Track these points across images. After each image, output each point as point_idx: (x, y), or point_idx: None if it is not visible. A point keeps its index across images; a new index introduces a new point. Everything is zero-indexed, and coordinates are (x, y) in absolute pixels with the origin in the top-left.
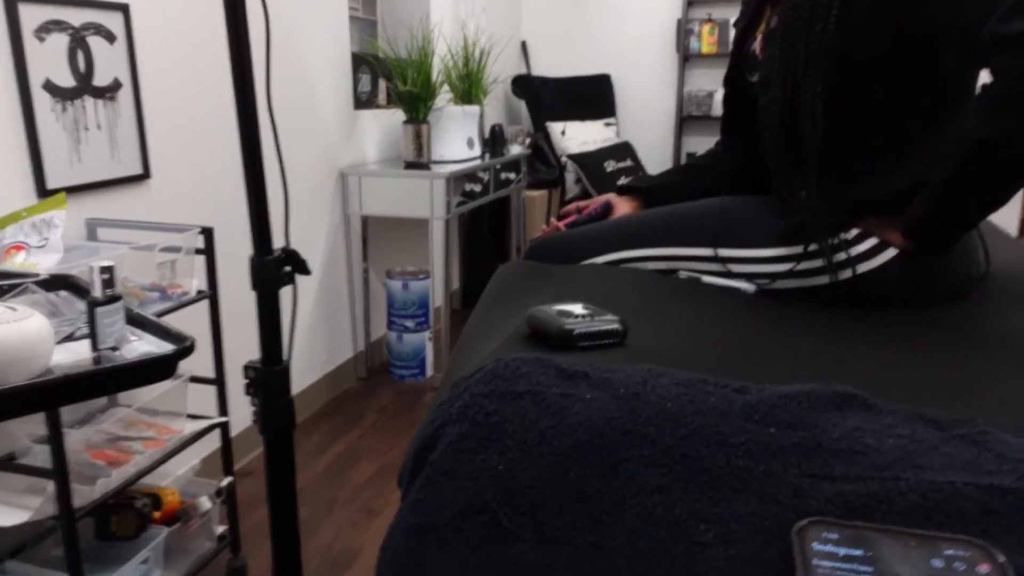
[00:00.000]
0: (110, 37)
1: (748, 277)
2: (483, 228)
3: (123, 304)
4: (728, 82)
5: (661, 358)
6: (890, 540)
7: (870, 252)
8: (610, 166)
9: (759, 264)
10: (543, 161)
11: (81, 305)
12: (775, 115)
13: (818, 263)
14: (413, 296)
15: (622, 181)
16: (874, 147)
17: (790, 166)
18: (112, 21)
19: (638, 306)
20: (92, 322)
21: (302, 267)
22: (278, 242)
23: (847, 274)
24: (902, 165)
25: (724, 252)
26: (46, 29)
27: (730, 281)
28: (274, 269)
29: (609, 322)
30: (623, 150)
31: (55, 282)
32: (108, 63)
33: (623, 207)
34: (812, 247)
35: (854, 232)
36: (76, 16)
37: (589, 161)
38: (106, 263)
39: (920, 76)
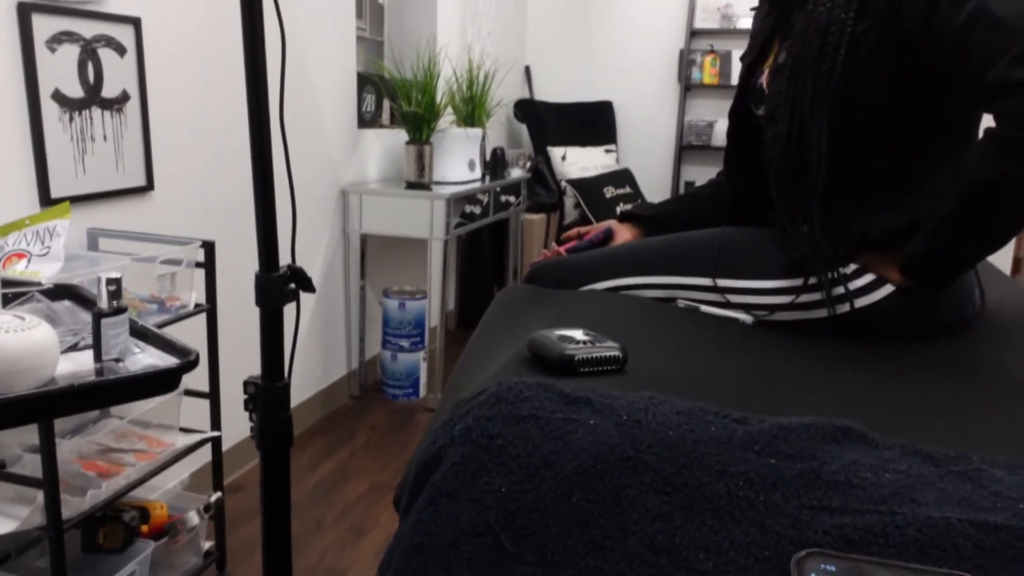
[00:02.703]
0: (120, 49)
1: (746, 308)
2: (481, 250)
3: (128, 316)
4: (733, 114)
5: (661, 385)
6: (886, 573)
7: (868, 287)
8: (609, 192)
9: (758, 295)
10: (543, 185)
11: (84, 315)
12: (780, 149)
13: (817, 296)
14: (409, 316)
15: (621, 208)
16: (877, 184)
17: (794, 199)
18: (123, 34)
19: (638, 333)
20: (97, 333)
21: (307, 285)
22: (283, 258)
23: (845, 308)
24: (903, 203)
25: (723, 282)
26: (58, 40)
27: (728, 311)
28: (279, 286)
29: (610, 349)
30: (623, 177)
31: (58, 291)
32: (117, 75)
33: (624, 234)
34: (812, 281)
35: (853, 267)
36: (88, 28)
37: (588, 186)
38: (113, 275)
39: (925, 116)
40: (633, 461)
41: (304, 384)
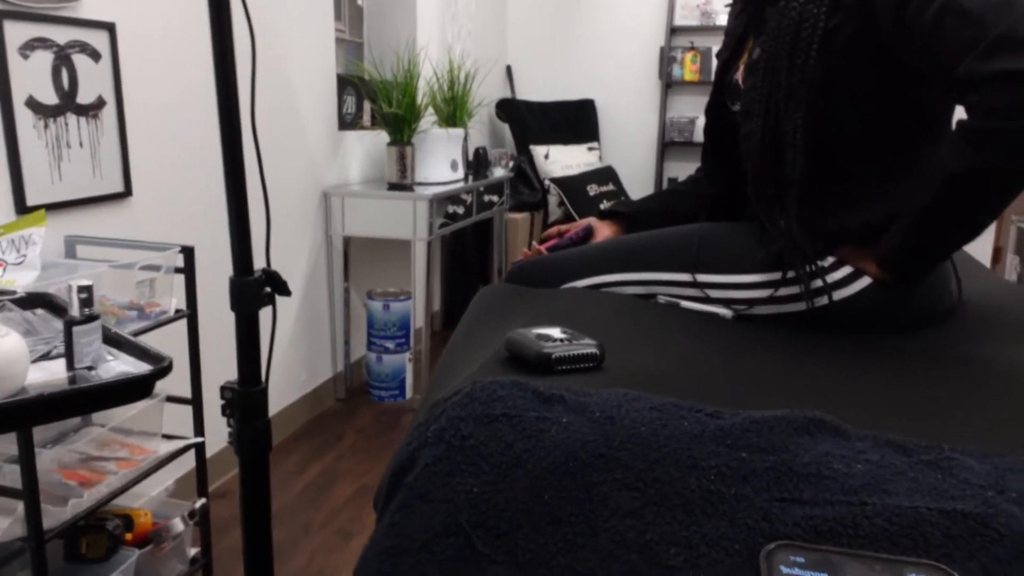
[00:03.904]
0: (95, 55)
1: (726, 303)
2: (465, 250)
3: (100, 323)
4: (710, 111)
5: (638, 382)
6: (856, 564)
7: (846, 280)
8: (593, 190)
9: (737, 290)
10: (526, 184)
11: (58, 324)
12: (756, 144)
13: (795, 290)
14: (394, 317)
15: (604, 205)
16: (853, 177)
17: (770, 194)
18: (98, 39)
19: (616, 330)
20: (68, 341)
21: (282, 288)
22: (259, 262)
23: (823, 301)
24: (880, 196)
25: (702, 278)
26: (31, 47)
27: (708, 306)
28: (254, 290)
29: (587, 346)
30: (606, 174)
31: (32, 300)
32: (92, 81)
33: (604, 231)
34: (790, 274)
35: (830, 260)
36: (62, 34)
37: (572, 185)
38: (84, 282)
39: (898, 109)
40: (605, 458)
41: (289, 388)
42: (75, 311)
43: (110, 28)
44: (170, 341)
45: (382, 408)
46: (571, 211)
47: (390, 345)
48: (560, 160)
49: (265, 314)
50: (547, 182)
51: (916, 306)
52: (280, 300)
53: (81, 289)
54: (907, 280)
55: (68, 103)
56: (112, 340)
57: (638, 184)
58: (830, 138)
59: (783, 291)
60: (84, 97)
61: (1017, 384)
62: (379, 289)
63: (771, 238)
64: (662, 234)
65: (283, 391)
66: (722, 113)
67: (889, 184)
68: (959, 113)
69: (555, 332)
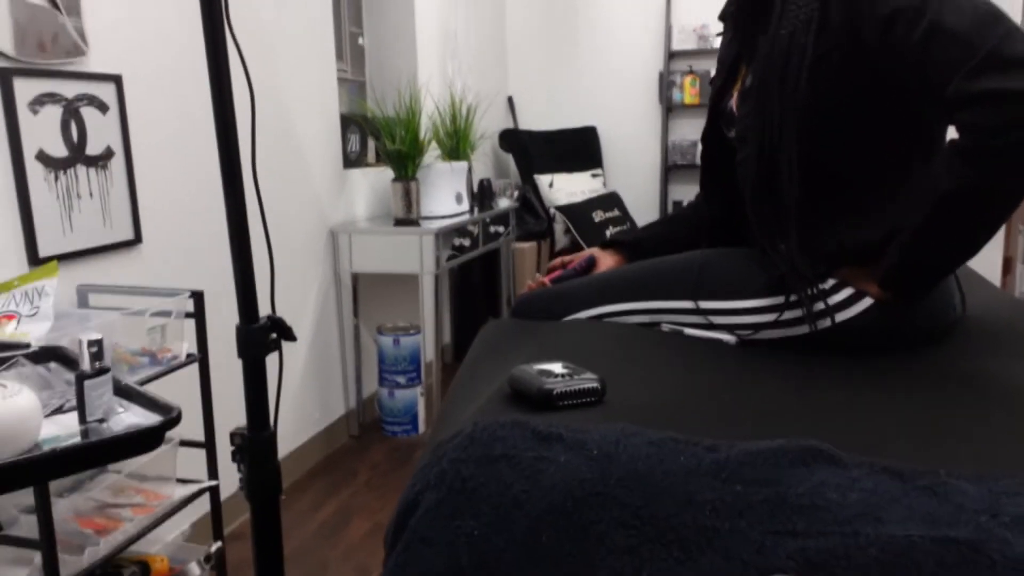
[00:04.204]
0: (103, 107)
1: (729, 328)
2: (473, 281)
3: (111, 376)
4: (706, 138)
5: (639, 415)
6: None
7: (847, 301)
8: (598, 216)
9: (740, 315)
10: (532, 213)
11: (70, 377)
12: (752, 170)
13: (798, 313)
14: (404, 352)
15: (610, 231)
16: (850, 198)
17: (769, 219)
18: (105, 92)
19: (619, 361)
20: (80, 395)
21: (288, 334)
22: (265, 307)
23: (826, 323)
24: (877, 215)
25: (705, 304)
26: (40, 102)
27: (712, 333)
28: (260, 336)
29: (588, 381)
30: (610, 200)
31: (44, 354)
32: (100, 132)
33: (607, 261)
34: (792, 298)
35: (832, 282)
36: (70, 88)
37: (577, 212)
38: (94, 336)
39: (891, 128)
40: (602, 496)
41: (302, 426)
42: (86, 365)
43: (117, 80)
44: (182, 385)
45: (395, 443)
46: (577, 238)
47: (401, 380)
48: (564, 188)
49: (275, 357)
50: (552, 210)
51: (919, 324)
52: (290, 338)
53: (91, 343)
54: (908, 298)
55: (78, 155)
56: (123, 391)
57: (643, 208)
58: (825, 160)
59: (786, 315)
60: (93, 148)
61: (1020, 402)
62: (389, 324)
63: (772, 262)
64: (664, 262)
65: (296, 430)
66: (718, 140)
67: (886, 203)
68: (952, 131)
69: (557, 367)
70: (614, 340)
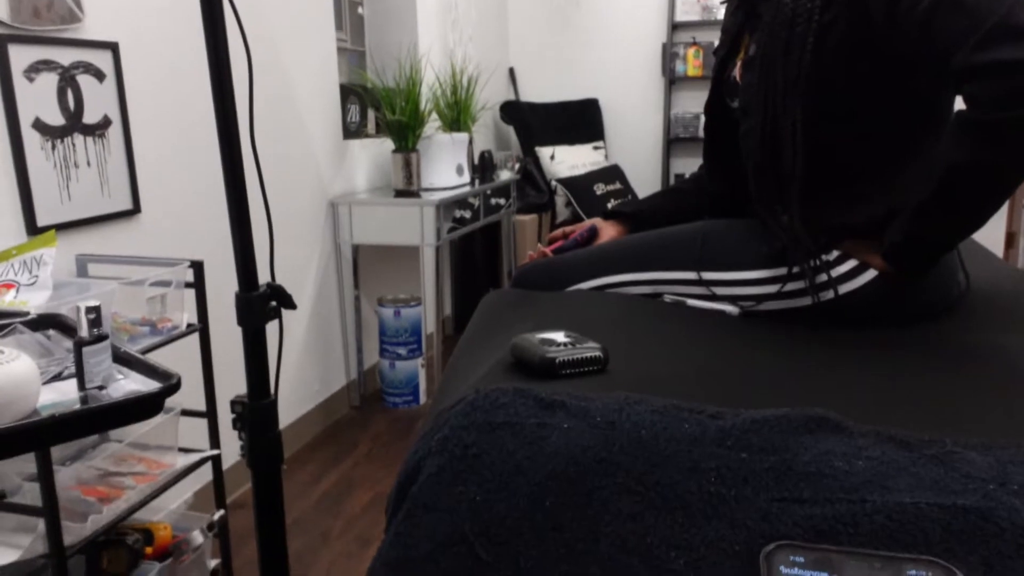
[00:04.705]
0: (99, 75)
1: (732, 300)
2: (474, 253)
3: (109, 343)
4: (709, 108)
5: (641, 384)
6: (855, 562)
7: (851, 273)
8: (600, 189)
9: (743, 287)
10: (533, 186)
11: (68, 344)
12: (756, 142)
13: (800, 285)
14: (405, 323)
15: (612, 204)
16: (854, 172)
17: (772, 191)
18: (102, 59)
19: (621, 331)
20: (79, 362)
21: (288, 302)
22: (264, 276)
23: (829, 295)
24: (882, 189)
25: (708, 275)
26: (36, 69)
27: (715, 304)
28: (260, 304)
29: (591, 349)
30: (612, 173)
31: (43, 321)
32: (98, 101)
33: (608, 231)
34: (795, 270)
35: (835, 253)
36: (66, 55)
37: (579, 184)
38: (92, 303)
39: (896, 101)
40: (606, 463)
41: (303, 398)
42: (84, 332)
43: (113, 48)
44: (183, 355)
45: (396, 414)
46: (579, 211)
47: (402, 351)
48: (566, 160)
49: (274, 326)
50: (554, 183)
51: (924, 297)
52: (291, 310)
53: (89, 310)
54: (913, 272)
55: (74, 123)
56: (122, 359)
57: (645, 181)
58: (829, 133)
59: (789, 286)
60: (90, 117)
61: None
62: (390, 296)
63: (774, 234)
64: (666, 233)
65: (297, 401)
66: (721, 111)
67: (891, 177)
68: (958, 103)
69: (559, 336)
70: (616, 310)
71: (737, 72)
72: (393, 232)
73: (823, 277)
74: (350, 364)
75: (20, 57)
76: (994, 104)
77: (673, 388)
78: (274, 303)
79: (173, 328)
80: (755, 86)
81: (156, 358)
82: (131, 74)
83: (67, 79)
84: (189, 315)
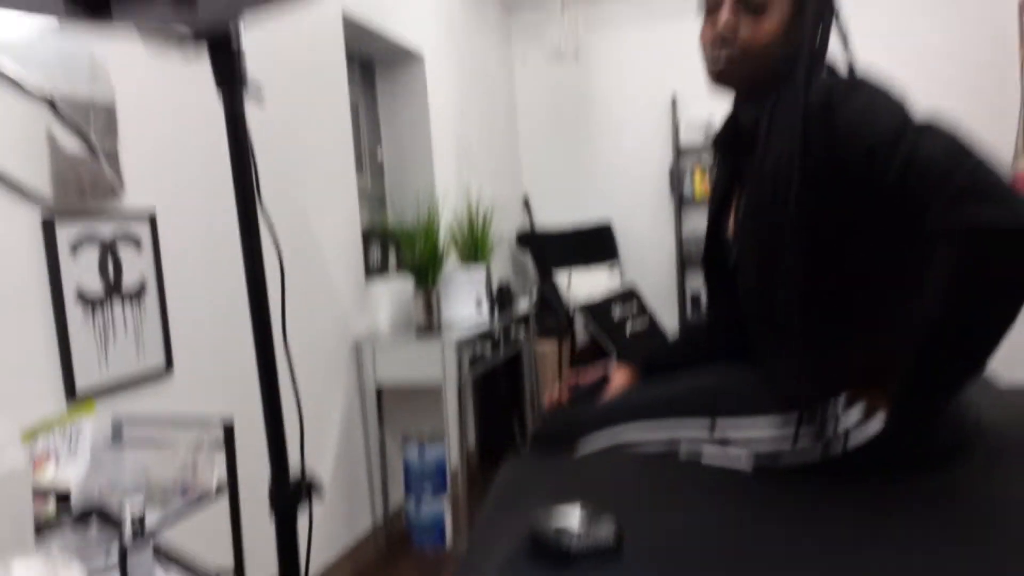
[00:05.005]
0: (137, 244)
1: (745, 453)
2: (498, 384)
3: (151, 543)
4: (706, 262)
5: (655, 561)
6: None
7: (860, 424)
8: (617, 313)
9: (755, 431)
10: (552, 312)
11: (112, 536)
12: (754, 301)
13: (811, 438)
14: (430, 461)
15: (630, 327)
16: (852, 318)
17: (775, 345)
18: (140, 228)
19: (636, 500)
20: (123, 566)
21: (317, 491)
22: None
23: (838, 449)
24: (880, 335)
25: (721, 423)
26: (80, 243)
27: (728, 457)
28: (291, 493)
29: (605, 530)
30: (629, 295)
31: (86, 514)
32: (135, 268)
33: (620, 377)
34: (804, 422)
35: (842, 404)
36: (107, 229)
37: (597, 309)
38: (137, 502)
39: (888, 241)
40: None
41: (330, 542)
42: (127, 531)
43: (151, 217)
44: (214, 514)
45: (423, 558)
46: (598, 335)
47: (428, 489)
48: (583, 285)
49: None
50: (572, 308)
51: (935, 441)
52: (318, 452)
53: (134, 509)
54: (920, 418)
55: (114, 291)
56: (162, 555)
57: (662, 301)
58: (824, 281)
59: (804, 439)
60: (128, 284)
61: None
62: (414, 433)
63: (784, 380)
64: (678, 382)
65: (324, 547)
66: (720, 266)
67: (889, 323)
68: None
69: (575, 514)
70: (631, 476)
71: (731, 232)
72: (416, 371)
73: (831, 430)
74: (376, 505)
75: (66, 234)
76: (967, 261)
77: (685, 564)
78: (304, 491)
79: (204, 490)
80: (747, 250)
81: (187, 522)
82: (166, 240)
83: (108, 250)
84: (219, 474)
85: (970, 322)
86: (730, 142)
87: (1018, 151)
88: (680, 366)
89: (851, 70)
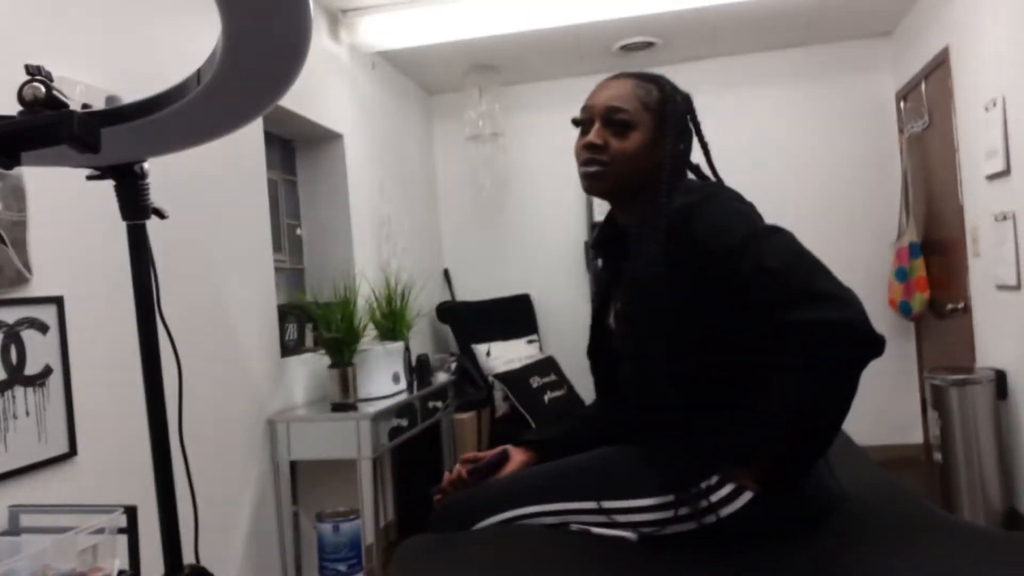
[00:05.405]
0: (43, 328)
1: (630, 526)
2: (416, 455)
3: None
4: (591, 353)
5: None
6: None
7: (730, 496)
8: (536, 382)
9: (638, 514)
10: (471, 383)
11: None
12: (635, 386)
13: (687, 511)
14: (344, 538)
15: (548, 396)
16: (724, 401)
17: (654, 424)
18: (46, 313)
19: (527, 572)
20: None
21: None
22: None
23: (712, 519)
24: (747, 417)
25: (607, 504)
26: None
27: (615, 531)
28: None
29: None
30: (547, 365)
31: None
32: (40, 352)
33: (518, 458)
34: (681, 503)
35: (715, 479)
36: (12, 314)
37: (515, 379)
38: None
39: (750, 339)
40: None
41: None
42: None
43: (58, 301)
44: None
45: None
46: (516, 404)
47: (342, 567)
48: (502, 356)
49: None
50: (491, 379)
51: (798, 511)
52: (230, 530)
53: None
54: (783, 489)
55: (16, 377)
56: None
57: (579, 371)
58: (696, 370)
59: (679, 512)
60: (32, 368)
61: None
62: (328, 509)
63: (663, 463)
64: (569, 463)
65: None
66: (604, 353)
67: (753, 402)
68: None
69: None
70: (522, 551)
71: (611, 321)
72: (331, 447)
73: (704, 503)
74: None
75: None
76: (806, 352)
77: None
78: None
79: None
80: (626, 339)
81: None
82: (74, 325)
83: (11, 336)
84: (121, 561)
85: (817, 400)
86: (607, 243)
87: (900, 230)
88: (573, 450)
89: (710, 178)
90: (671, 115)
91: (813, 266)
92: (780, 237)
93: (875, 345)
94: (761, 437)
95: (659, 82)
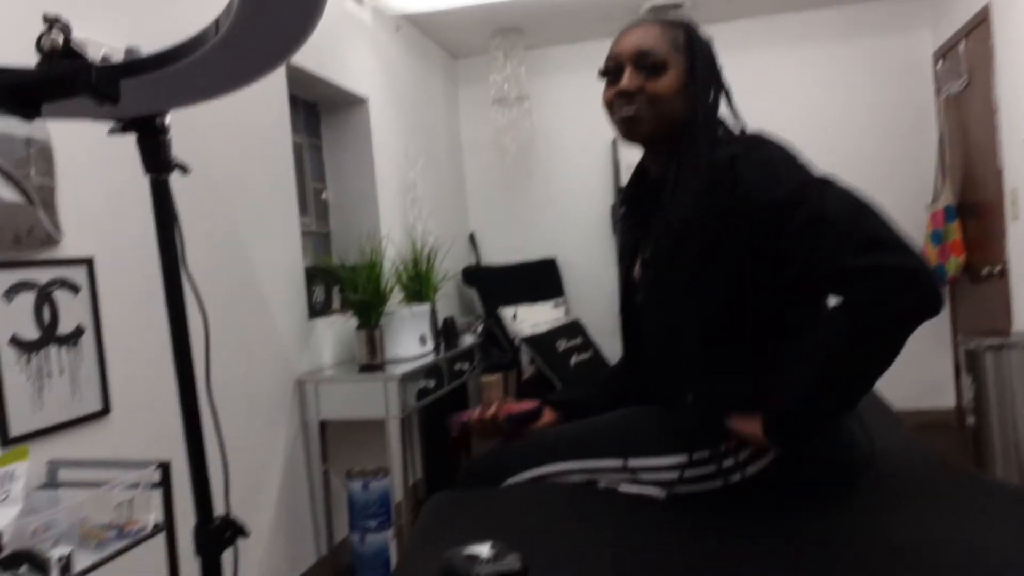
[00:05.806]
0: (74, 288)
1: (656, 483)
2: (444, 415)
3: None
4: (623, 308)
5: None
6: None
7: (755, 454)
8: (562, 345)
9: (664, 472)
10: (497, 346)
11: None
12: (658, 338)
13: (712, 468)
14: (373, 495)
15: (575, 359)
16: (746, 359)
17: (676, 377)
18: (77, 274)
19: (549, 533)
20: None
21: (242, 531)
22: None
23: (737, 477)
24: (767, 366)
25: (633, 462)
26: (15, 290)
27: (641, 488)
28: (216, 535)
29: (511, 564)
30: (574, 328)
31: (15, 559)
32: (72, 312)
33: (547, 416)
34: (704, 453)
35: (735, 444)
36: (43, 274)
37: (542, 342)
38: (64, 551)
39: (777, 293)
40: None
41: None
42: None
43: (88, 262)
44: (151, 555)
45: None
46: (543, 367)
47: (372, 524)
48: (528, 319)
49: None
50: (518, 342)
51: (826, 468)
52: (263, 487)
53: (61, 552)
54: (790, 443)
55: (49, 336)
56: None
57: (606, 334)
58: (719, 324)
59: (704, 470)
60: (64, 328)
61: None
62: (358, 468)
63: (687, 421)
64: (594, 423)
65: None
66: (633, 309)
67: (775, 358)
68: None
69: (484, 551)
70: (547, 508)
71: (636, 273)
72: (359, 407)
73: (730, 461)
74: (320, 541)
75: (0, 282)
76: (868, 299)
77: None
78: (229, 533)
79: (140, 530)
80: (651, 286)
81: (123, 560)
82: (105, 284)
83: (43, 296)
84: (156, 515)
85: (864, 351)
86: (638, 195)
87: (936, 193)
88: (601, 409)
89: (742, 129)
90: (701, 57)
91: (877, 214)
92: (837, 186)
93: (937, 300)
94: (785, 384)
95: (685, 25)
